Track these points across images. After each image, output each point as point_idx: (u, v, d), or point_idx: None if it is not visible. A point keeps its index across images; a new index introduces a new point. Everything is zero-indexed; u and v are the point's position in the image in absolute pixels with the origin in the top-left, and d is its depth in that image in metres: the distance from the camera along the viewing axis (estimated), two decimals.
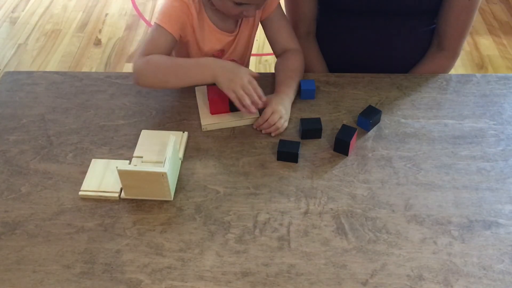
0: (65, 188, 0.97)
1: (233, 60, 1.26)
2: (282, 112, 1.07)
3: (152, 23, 1.12)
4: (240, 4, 1.05)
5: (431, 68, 1.27)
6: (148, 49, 1.08)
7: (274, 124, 1.05)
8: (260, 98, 1.03)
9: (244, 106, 1.02)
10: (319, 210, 0.93)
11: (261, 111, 1.07)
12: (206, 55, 1.20)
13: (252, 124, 1.09)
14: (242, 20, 1.19)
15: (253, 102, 1.02)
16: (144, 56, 1.07)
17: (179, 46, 1.20)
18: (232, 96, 1.02)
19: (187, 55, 1.20)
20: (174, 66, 1.06)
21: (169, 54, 1.12)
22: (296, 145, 1.01)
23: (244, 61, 1.31)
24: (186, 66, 1.07)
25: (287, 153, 1.00)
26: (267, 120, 1.05)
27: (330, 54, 1.34)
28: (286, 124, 1.07)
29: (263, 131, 1.07)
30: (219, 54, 1.22)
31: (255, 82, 1.03)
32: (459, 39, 1.24)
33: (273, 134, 1.06)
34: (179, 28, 1.11)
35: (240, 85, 1.01)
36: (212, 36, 1.17)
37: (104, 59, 2.60)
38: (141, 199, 0.95)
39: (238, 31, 1.20)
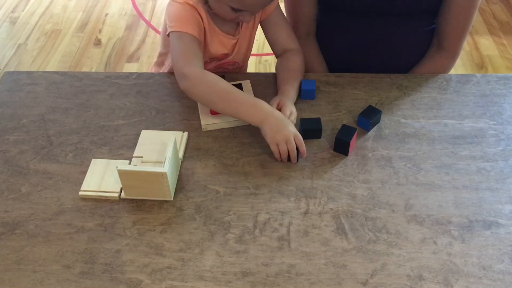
0: (65, 188, 0.97)
1: (235, 63, 1.26)
2: (295, 111, 1.08)
3: (166, 32, 1.11)
4: (237, 10, 1.06)
5: (431, 68, 1.27)
6: (189, 59, 1.05)
7: None
8: (302, 154, 1.00)
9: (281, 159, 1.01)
10: (319, 210, 0.93)
11: None
12: (211, 57, 1.20)
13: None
14: (242, 22, 1.19)
15: (291, 158, 1.00)
16: (190, 68, 1.03)
17: None
18: (274, 149, 0.99)
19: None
20: (229, 94, 1.03)
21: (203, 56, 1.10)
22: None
23: (245, 62, 1.31)
24: (240, 100, 1.03)
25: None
26: None
27: (330, 54, 1.34)
28: (294, 121, 1.07)
29: None
30: (224, 57, 1.22)
31: (300, 138, 0.99)
32: (459, 39, 1.24)
33: None
34: (198, 29, 1.09)
35: (284, 138, 0.98)
36: (217, 39, 1.17)
37: (104, 59, 2.60)
38: (141, 199, 0.95)
39: (240, 34, 1.20)
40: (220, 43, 1.18)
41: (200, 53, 1.08)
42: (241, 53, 1.24)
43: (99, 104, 1.15)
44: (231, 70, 1.28)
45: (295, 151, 0.99)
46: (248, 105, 1.02)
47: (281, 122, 1.00)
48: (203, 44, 1.15)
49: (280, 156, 1.00)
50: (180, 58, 1.06)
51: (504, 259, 0.86)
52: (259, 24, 1.23)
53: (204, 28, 1.12)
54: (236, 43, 1.21)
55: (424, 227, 0.90)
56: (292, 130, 0.99)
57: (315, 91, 1.15)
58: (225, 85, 1.04)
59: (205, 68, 1.08)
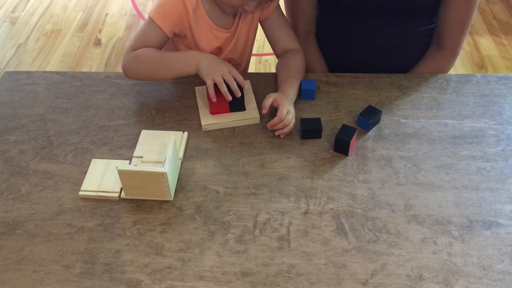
0: (65, 188, 0.97)
1: (230, 59, 1.25)
2: (293, 111, 1.07)
3: (147, 14, 1.13)
4: None
5: (431, 68, 1.27)
6: (137, 45, 1.11)
7: (289, 123, 1.05)
8: (243, 85, 1.07)
9: (223, 92, 1.05)
10: (319, 210, 0.93)
11: (274, 113, 1.05)
12: (203, 51, 1.19)
13: (252, 124, 1.09)
14: (240, 17, 1.19)
15: (233, 90, 1.05)
16: (132, 51, 1.10)
17: (177, 42, 1.20)
18: (209, 83, 1.04)
19: (186, 50, 1.20)
20: (162, 59, 1.11)
21: (159, 49, 1.13)
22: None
23: (243, 61, 1.30)
24: (173, 58, 1.11)
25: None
26: (283, 120, 1.04)
27: (330, 54, 1.34)
28: (293, 121, 1.07)
29: (276, 132, 1.06)
30: (217, 51, 1.21)
31: (235, 70, 1.07)
32: (459, 38, 1.24)
33: (282, 136, 1.06)
34: (173, 25, 1.12)
35: (220, 72, 1.05)
36: (209, 32, 1.17)
37: (104, 59, 2.60)
38: (141, 199, 0.95)
39: (236, 29, 1.20)
40: (212, 36, 1.18)
41: (155, 47, 1.12)
42: (237, 49, 1.24)
43: (99, 104, 1.15)
44: None
45: (234, 82, 1.05)
46: (181, 58, 1.11)
47: (215, 61, 1.08)
48: (191, 38, 1.16)
49: (217, 94, 1.04)
50: (133, 40, 1.12)
51: (504, 259, 0.86)
52: (258, 24, 1.23)
53: (190, 22, 1.13)
54: (231, 38, 1.20)
55: (424, 227, 0.90)
56: (225, 66, 1.06)
57: (315, 91, 1.15)
58: (157, 53, 1.11)
59: None
